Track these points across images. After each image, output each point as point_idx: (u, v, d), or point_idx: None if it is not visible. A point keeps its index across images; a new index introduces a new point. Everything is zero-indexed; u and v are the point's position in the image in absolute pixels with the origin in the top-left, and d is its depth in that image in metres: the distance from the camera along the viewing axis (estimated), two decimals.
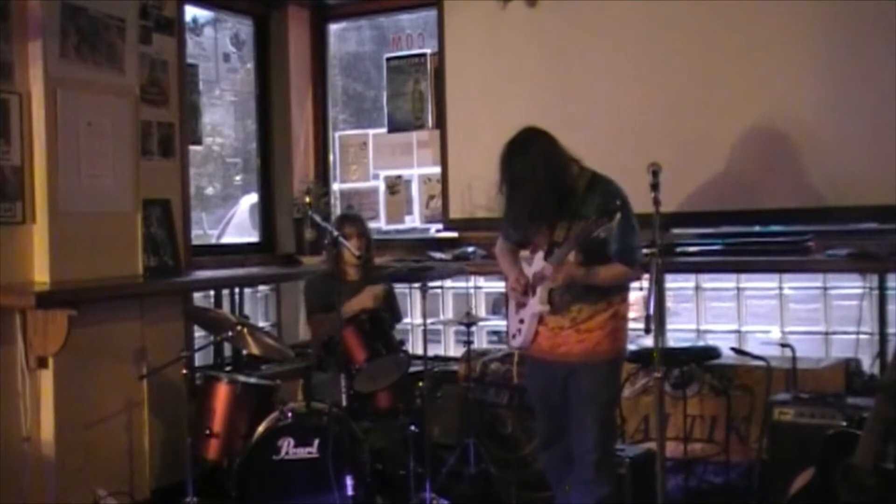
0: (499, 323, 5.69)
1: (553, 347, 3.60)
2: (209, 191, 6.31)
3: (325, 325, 4.36)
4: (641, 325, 3.26)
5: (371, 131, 6.02)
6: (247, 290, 5.58)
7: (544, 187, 3.40)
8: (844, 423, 3.56)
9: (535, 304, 3.57)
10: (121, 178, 4.41)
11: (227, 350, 5.26)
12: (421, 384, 4.33)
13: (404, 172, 5.87)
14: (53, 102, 4.09)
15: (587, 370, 3.54)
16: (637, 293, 4.17)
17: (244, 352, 4.58)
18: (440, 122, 5.60)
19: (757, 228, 4.77)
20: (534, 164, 3.41)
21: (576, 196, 3.48)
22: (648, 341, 3.64)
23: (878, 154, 4.35)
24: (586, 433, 3.55)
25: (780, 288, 4.96)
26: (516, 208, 3.49)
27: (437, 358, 5.37)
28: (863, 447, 3.32)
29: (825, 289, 4.85)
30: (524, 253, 3.76)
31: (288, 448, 3.92)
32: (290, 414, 3.97)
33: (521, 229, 3.63)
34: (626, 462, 3.97)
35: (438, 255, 5.42)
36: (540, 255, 3.55)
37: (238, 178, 6.38)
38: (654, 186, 3.16)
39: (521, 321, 3.68)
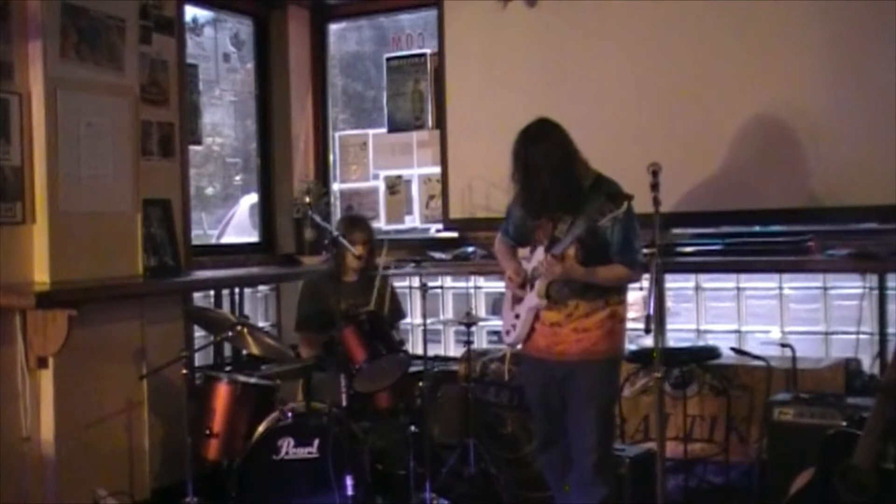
0: (499, 323, 5.68)
1: (550, 346, 3.60)
2: (209, 191, 6.31)
3: (312, 345, 4.38)
4: (641, 325, 3.26)
5: (371, 131, 6.02)
6: (247, 290, 5.58)
7: (558, 176, 3.43)
8: (844, 423, 3.56)
9: (533, 298, 3.59)
10: (121, 178, 4.41)
11: (227, 350, 5.25)
12: (421, 384, 4.33)
13: (404, 172, 5.87)
14: (53, 102, 4.09)
15: (585, 370, 3.54)
16: (637, 293, 4.17)
17: (244, 352, 4.58)
18: (440, 122, 5.60)
19: (757, 228, 4.76)
20: (550, 151, 3.44)
21: (581, 193, 3.48)
22: (648, 341, 3.64)
23: (878, 154, 4.35)
24: (585, 434, 3.55)
25: (780, 288, 4.96)
26: (528, 195, 3.51)
27: (437, 358, 5.36)
28: (863, 447, 3.32)
29: (825, 289, 4.85)
30: (523, 252, 3.77)
31: (288, 448, 3.92)
32: (290, 414, 3.97)
33: (527, 220, 3.65)
34: (626, 462, 3.97)
35: (438, 255, 5.42)
36: (540, 249, 3.56)
37: (238, 178, 6.38)
38: (654, 186, 3.17)
39: (517, 316, 3.69)
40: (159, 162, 4.81)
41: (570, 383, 3.58)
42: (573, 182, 3.47)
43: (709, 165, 4.71)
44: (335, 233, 4.17)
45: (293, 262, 5.77)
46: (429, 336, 4.74)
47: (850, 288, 4.77)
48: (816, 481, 3.45)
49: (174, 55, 4.91)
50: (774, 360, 4.50)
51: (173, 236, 4.85)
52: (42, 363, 4.07)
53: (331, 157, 6.13)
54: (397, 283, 4.96)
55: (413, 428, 4.23)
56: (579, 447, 3.57)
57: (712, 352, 4.51)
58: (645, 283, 3.39)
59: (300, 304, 4.70)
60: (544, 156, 3.44)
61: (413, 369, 4.33)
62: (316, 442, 3.91)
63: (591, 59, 5.07)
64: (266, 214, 5.98)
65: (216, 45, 5.78)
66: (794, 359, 4.33)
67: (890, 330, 4.54)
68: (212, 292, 5.31)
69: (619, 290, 3.61)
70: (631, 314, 3.80)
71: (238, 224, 6.51)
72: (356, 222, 4.68)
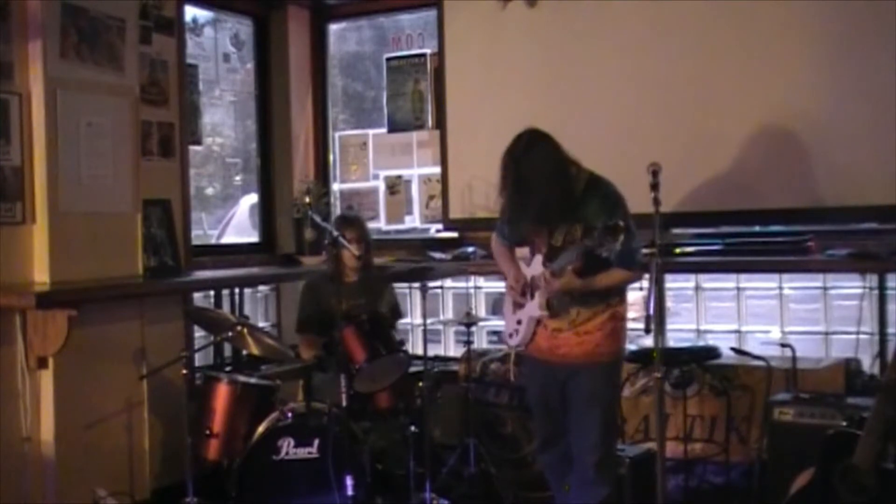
0: (499, 323, 5.68)
1: (553, 349, 3.60)
2: (209, 191, 6.31)
3: (312, 347, 4.38)
4: (641, 325, 3.26)
5: (371, 131, 6.02)
6: (247, 290, 5.57)
7: (552, 189, 3.40)
8: (844, 423, 3.56)
9: (535, 309, 3.57)
10: (121, 178, 4.41)
11: (227, 350, 5.25)
12: (421, 384, 4.32)
13: (404, 172, 5.87)
14: (53, 102, 4.09)
15: (588, 371, 3.54)
16: (637, 293, 4.17)
17: (244, 352, 4.58)
18: (440, 122, 5.60)
19: (757, 228, 4.76)
20: (541, 165, 3.41)
21: (574, 197, 3.47)
22: (648, 341, 3.64)
23: (878, 154, 4.35)
24: (587, 434, 3.55)
25: (780, 288, 4.96)
26: (521, 210, 3.48)
27: (437, 358, 5.36)
28: (863, 447, 3.32)
29: (825, 289, 4.85)
30: (522, 252, 3.76)
31: (288, 448, 3.92)
32: (290, 414, 3.97)
33: (520, 230, 3.63)
34: (626, 462, 3.97)
35: (438, 255, 5.42)
36: (539, 258, 3.55)
37: (238, 178, 6.38)
38: (654, 186, 3.16)
39: (519, 322, 3.68)
40: (159, 162, 4.81)
41: (572, 384, 3.57)
42: (568, 189, 3.45)
43: (709, 165, 4.71)
44: (335, 233, 4.16)
45: (293, 262, 5.77)
46: (429, 336, 4.74)
47: (850, 288, 4.77)
48: (816, 481, 3.45)
49: (174, 55, 4.91)
50: (774, 360, 4.49)
51: (173, 236, 4.85)
52: (42, 363, 4.07)
53: (331, 157, 6.13)
54: (397, 284, 4.95)
55: (413, 428, 4.22)
56: (581, 446, 3.57)
57: (712, 352, 4.51)
58: (645, 283, 3.38)
59: (301, 305, 4.70)
60: (537, 168, 3.40)
61: (413, 369, 4.33)
62: (316, 442, 3.91)
63: (591, 60, 5.06)
64: (266, 214, 5.98)
65: (216, 45, 5.78)
66: (794, 359, 4.33)
67: (890, 330, 4.54)
68: (212, 292, 5.31)
69: (618, 291, 3.61)
70: (631, 314, 3.79)
71: (238, 224, 6.51)
72: (347, 220, 4.68)
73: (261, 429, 3.99)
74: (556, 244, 3.48)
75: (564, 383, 3.59)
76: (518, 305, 3.69)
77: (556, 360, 3.59)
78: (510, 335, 3.76)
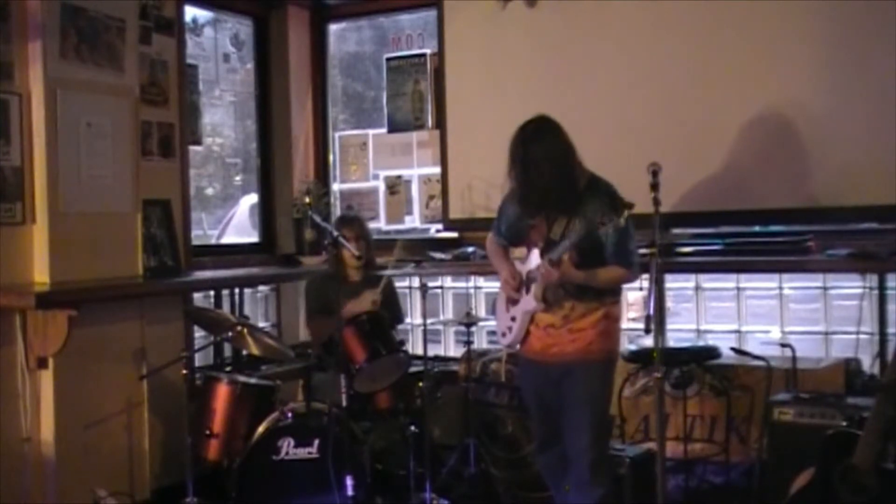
0: None
1: (546, 348, 3.60)
2: (209, 191, 6.31)
3: (324, 327, 4.36)
4: (641, 325, 3.26)
5: (371, 131, 6.02)
6: (247, 291, 5.58)
7: (558, 172, 3.42)
8: (844, 423, 3.57)
9: (529, 301, 3.57)
10: (121, 178, 4.41)
11: (227, 350, 5.25)
12: (421, 384, 4.32)
13: (404, 172, 5.87)
14: (53, 102, 4.09)
15: (581, 370, 3.54)
16: (637, 293, 4.17)
17: (244, 352, 4.58)
18: (440, 123, 5.59)
19: (757, 228, 4.76)
20: (551, 148, 3.44)
21: (577, 191, 3.48)
22: (648, 341, 3.64)
23: (879, 154, 4.34)
24: (580, 434, 3.55)
25: (780, 288, 4.96)
26: (526, 191, 3.49)
27: (437, 358, 5.36)
28: (863, 447, 3.32)
29: (825, 289, 4.85)
30: (518, 252, 3.77)
31: (288, 448, 3.92)
32: (290, 414, 3.97)
33: (522, 219, 3.63)
34: (626, 462, 3.97)
35: (438, 255, 5.42)
36: (536, 251, 3.56)
37: (238, 178, 6.38)
38: (654, 186, 3.17)
39: (513, 319, 3.68)
40: (159, 162, 4.81)
41: (566, 383, 3.57)
42: (571, 180, 3.47)
43: (709, 165, 4.71)
44: (335, 233, 4.16)
45: (293, 262, 5.77)
46: (429, 336, 4.74)
47: (850, 288, 4.77)
48: (816, 481, 3.45)
49: (174, 55, 4.91)
50: (774, 360, 4.49)
51: (173, 236, 4.85)
52: (42, 363, 4.07)
53: (331, 157, 6.13)
54: (397, 284, 4.95)
55: (413, 428, 4.23)
56: (576, 447, 3.57)
57: (712, 352, 4.51)
58: (645, 283, 3.38)
59: (307, 301, 4.70)
60: (545, 152, 3.43)
61: (413, 369, 4.33)
62: (316, 442, 3.91)
63: (591, 59, 5.06)
64: (266, 214, 5.98)
65: (216, 45, 5.78)
66: (794, 359, 4.33)
67: (890, 330, 4.54)
68: (212, 292, 5.31)
69: (613, 291, 3.61)
70: (631, 314, 3.80)
71: (238, 224, 6.51)
72: (347, 220, 4.70)
73: (261, 429, 3.99)
74: (554, 238, 3.49)
75: (559, 382, 3.59)
76: (512, 302, 3.69)
77: (550, 359, 3.59)
78: (503, 334, 3.76)
